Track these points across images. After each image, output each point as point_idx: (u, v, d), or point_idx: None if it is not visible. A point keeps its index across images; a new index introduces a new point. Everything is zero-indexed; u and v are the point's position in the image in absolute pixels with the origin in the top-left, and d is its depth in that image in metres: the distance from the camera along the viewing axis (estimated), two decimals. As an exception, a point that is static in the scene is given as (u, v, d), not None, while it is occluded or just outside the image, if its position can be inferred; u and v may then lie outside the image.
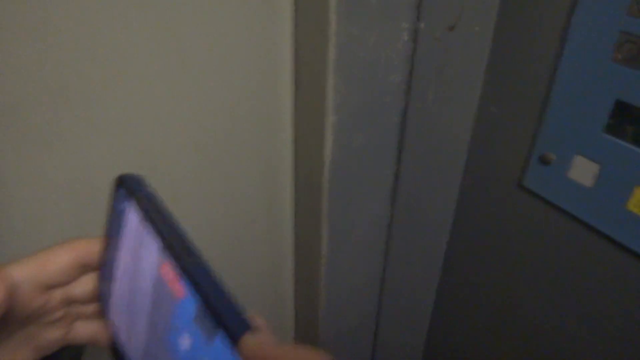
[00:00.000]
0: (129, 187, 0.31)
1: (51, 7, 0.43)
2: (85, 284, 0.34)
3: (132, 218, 0.31)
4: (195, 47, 0.52)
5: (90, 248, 0.33)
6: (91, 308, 0.35)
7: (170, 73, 0.51)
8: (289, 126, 0.64)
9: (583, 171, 0.51)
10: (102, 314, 0.35)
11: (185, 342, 0.26)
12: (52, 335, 0.33)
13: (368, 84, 0.57)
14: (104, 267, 0.34)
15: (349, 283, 0.73)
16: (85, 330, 0.35)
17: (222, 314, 0.24)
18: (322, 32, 0.52)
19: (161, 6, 0.48)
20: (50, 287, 0.32)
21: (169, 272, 0.27)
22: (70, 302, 0.34)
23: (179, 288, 0.27)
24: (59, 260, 0.32)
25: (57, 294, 0.33)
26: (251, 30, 0.55)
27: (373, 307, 0.78)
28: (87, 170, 0.51)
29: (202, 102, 0.55)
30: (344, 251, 0.69)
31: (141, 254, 0.30)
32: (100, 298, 0.34)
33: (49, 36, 0.44)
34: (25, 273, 0.30)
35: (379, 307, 0.78)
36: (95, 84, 0.48)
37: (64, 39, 0.45)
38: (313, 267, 0.69)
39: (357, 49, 0.53)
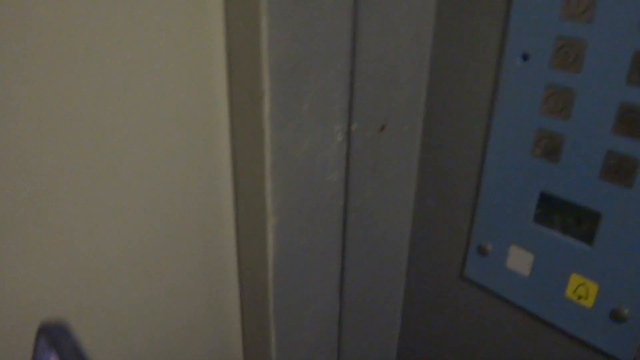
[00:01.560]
0: (51, 337, 0.30)
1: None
2: None
3: None
4: (135, 155, 0.52)
5: None
6: None
7: (102, 181, 0.51)
8: (231, 230, 0.63)
9: (519, 260, 0.52)
10: None
11: None
12: None
13: (306, 186, 0.57)
14: None
15: (302, 387, 0.69)
16: None
17: None
18: (258, 139, 0.53)
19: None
20: None
21: None
22: None
23: None
24: None
25: None
26: (191, 142, 0.55)
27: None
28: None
29: (140, 210, 0.54)
30: (294, 353, 0.66)
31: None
32: None
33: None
34: None
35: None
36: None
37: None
38: (262, 374, 0.66)
39: (292, 153, 0.54)
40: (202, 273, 0.63)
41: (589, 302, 0.48)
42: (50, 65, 0.44)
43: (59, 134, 0.47)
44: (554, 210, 0.49)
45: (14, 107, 0.44)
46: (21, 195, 0.46)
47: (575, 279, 0.49)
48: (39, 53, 0.43)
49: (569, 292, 0.49)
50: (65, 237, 0.50)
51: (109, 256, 0.54)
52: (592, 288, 0.48)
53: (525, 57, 0.46)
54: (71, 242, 0.51)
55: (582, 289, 0.48)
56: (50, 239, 0.49)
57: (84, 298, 0.53)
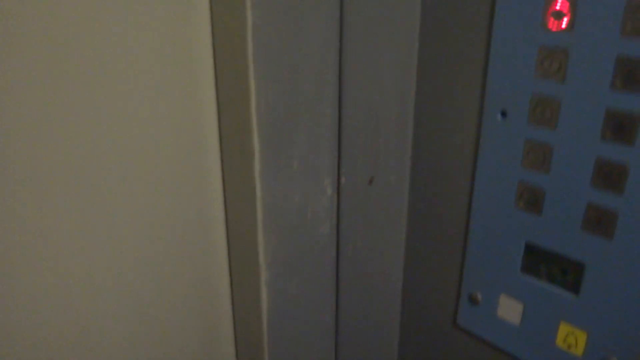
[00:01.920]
0: None
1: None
2: None
3: None
4: (126, 217, 0.53)
5: None
6: None
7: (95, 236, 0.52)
8: (226, 283, 0.64)
9: (509, 310, 0.53)
10: None
11: None
12: None
13: (298, 239, 0.58)
14: None
15: None
16: None
17: None
18: (250, 196, 0.54)
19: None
20: None
21: None
22: None
23: None
24: None
25: None
26: (184, 199, 0.56)
27: None
28: None
29: (135, 265, 0.55)
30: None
31: None
32: None
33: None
34: None
35: None
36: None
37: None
38: None
39: (283, 208, 0.56)
40: (196, 326, 0.63)
41: (578, 351, 0.49)
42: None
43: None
44: (540, 261, 0.50)
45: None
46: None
47: (564, 328, 0.49)
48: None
49: (559, 340, 0.50)
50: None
51: (109, 308, 0.54)
52: (581, 337, 0.48)
53: (504, 114, 0.48)
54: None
55: (571, 338, 0.49)
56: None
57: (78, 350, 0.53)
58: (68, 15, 0.44)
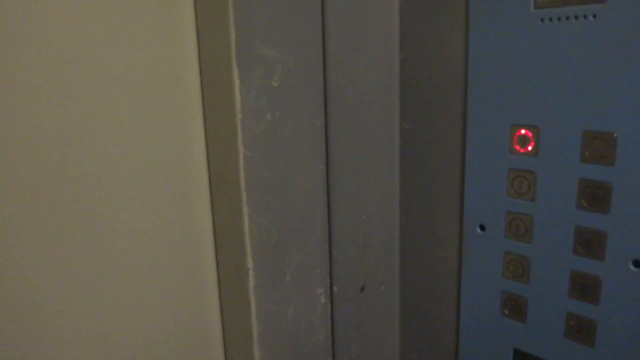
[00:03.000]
0: None
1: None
2: None
3: None
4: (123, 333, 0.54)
5: None
6: None
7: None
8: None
9: (504, 416, 0.54)
10: None
11: None
12: None
13: (293, 349, 0.60)
14: None
15: None
16: None
17: None
18: (245, 311, 0.56)
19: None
20: None
21: None
22: None
23: None
24: None
25: None
26: (181, 316, 0.58)
27: None
28: None
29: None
30: None
31: None
32: None
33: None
34: None
35: None
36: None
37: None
38: None
39: (278, 321, 0.57)
40: None
41: None
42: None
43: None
44: (528, 366, 0.52)
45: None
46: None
47: None
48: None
49: None
50: None
51: None
52: None
53: (482, 228, 0.51)
54: None
55: None
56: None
57: None
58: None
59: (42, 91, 0.45)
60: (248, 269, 0.54)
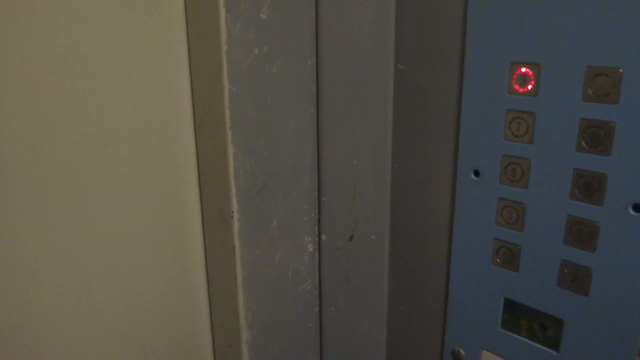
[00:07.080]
0: None
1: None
2: None
3: None
4: (109, 284, 0.53)
5: None
6: None
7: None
8: (208, 344, 0.63)
9: (492, 366, 0.53)
10: None
11: None
12: None
13: (279, 297, 0.58)
14: None
15: None
16: None
17: None
18: (229, 256, 0.54)
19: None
20: None
21: None
22: None
23: None
24: None
25: None
26: (165, 262, 0.56)
27: None
28: None
29: (117, 335, 0.54)
30: None
31: None
32: None
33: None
34: None
35: None
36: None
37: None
38: None
39: (263, 267, 0.56)
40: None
41: (562, 408, 0.48)
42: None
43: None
44: (519, 317, 0.50)
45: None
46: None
47: (547, 385, 0.49)
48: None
49: (543, 397, 0.50)
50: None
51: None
52: (564, 394, 0.48)
53: (477, 174, 0.49)
54: None
55: (554, 395, 0.49)
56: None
57: None
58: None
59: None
60: (232, 212, 0.52)
